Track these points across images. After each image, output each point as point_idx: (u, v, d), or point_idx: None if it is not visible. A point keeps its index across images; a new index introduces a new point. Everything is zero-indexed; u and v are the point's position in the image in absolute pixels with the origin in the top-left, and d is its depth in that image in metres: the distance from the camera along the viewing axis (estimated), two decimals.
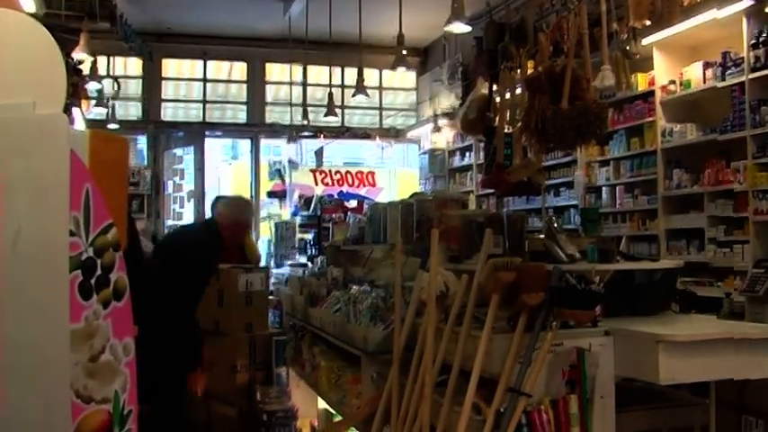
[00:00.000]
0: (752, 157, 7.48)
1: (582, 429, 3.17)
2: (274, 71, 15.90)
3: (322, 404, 5.64)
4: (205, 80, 15.75)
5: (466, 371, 3.32)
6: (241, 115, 16.02)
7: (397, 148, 16.63)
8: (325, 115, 12.33)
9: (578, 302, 3.34)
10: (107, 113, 13.03)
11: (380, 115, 16.51)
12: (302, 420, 6.44)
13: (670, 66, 8.80)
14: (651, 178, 8.96)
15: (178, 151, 15.51)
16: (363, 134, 15.99)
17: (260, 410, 6.37)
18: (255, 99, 15.79)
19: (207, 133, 15.68)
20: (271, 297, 7.52)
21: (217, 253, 5.82)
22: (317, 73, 14.88)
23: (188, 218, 14.77)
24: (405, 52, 9.72)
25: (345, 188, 14.98)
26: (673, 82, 8.68)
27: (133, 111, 15.52)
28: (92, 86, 11.29)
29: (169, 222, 14.79)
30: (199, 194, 15.08)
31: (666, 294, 4.19)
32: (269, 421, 6.28)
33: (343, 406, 4.94)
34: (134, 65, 15.22)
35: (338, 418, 5.15)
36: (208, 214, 7.96)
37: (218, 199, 6.61)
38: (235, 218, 5.75)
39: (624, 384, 3.51)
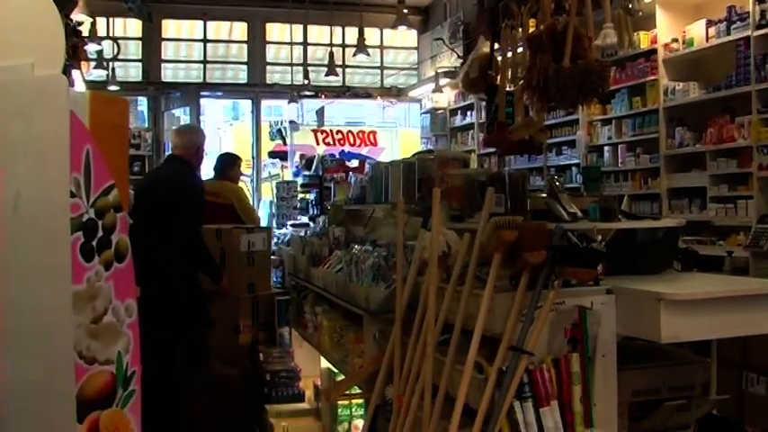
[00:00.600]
0: (756, 112, 7.46)
1: (583, 387, 3.18)
2: (275, 31, 15.78)
3: (324, 364, 5.64)
4: (205, 41, 15.63)
5: (468, 330, 3.32)
6: (242, 76, 15.94)
7: (399, 107, 16.59)
8: (326, 75, 12.31)
9: (580, 261, 3.33)
10: (107, 75, 12.99)
11: (381, 75, 16.42)
12: (305, 380, 6.47)
13: (673, 24, 8.75)
14: (653, 137, 8.94)
15: (177, 112, 15.46)
16: (364, 94, 15.92)
17: (263, 370, 6.39)
18: (256, 59, 15.69)
19: (207, 94, 15.63)
20: (273, 257, 7.52)
21: (187, 178, 5.99)
22: (318, 33, 14.80)
23: None
24: (406, 11, 9.68)
25: (347, 148, 14.93)
26: (675, 40, 8.63)
27: (133, 72, 15.45)
28: (91, 48, 11.21)
29: None
30: None
31: (668, 253, 4.18)
32: (271, 381, 6.31)
33: (345, 365, 4.95)
34: (133, 26, 15.10)
35: (341, 378, 5.17)
36: (208, 174, 7.95)
37: None
38: (185, 144, 6.07)
39: (625, 343, 3.51)
